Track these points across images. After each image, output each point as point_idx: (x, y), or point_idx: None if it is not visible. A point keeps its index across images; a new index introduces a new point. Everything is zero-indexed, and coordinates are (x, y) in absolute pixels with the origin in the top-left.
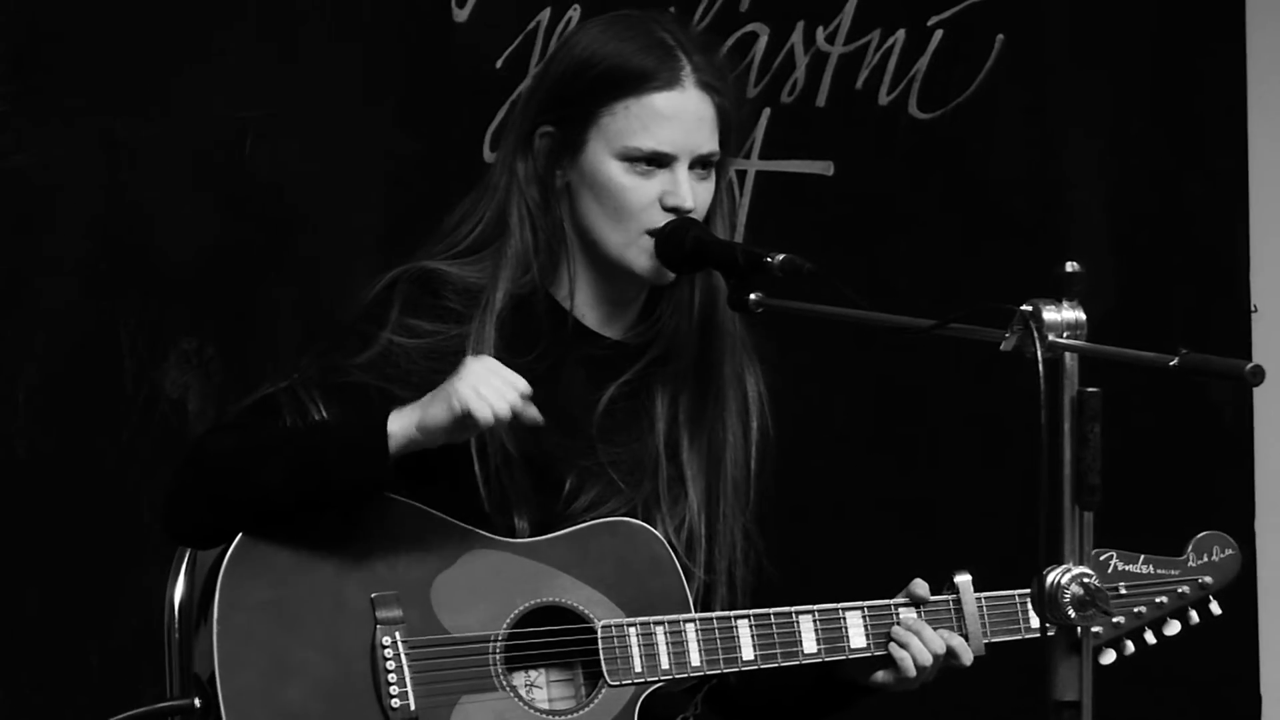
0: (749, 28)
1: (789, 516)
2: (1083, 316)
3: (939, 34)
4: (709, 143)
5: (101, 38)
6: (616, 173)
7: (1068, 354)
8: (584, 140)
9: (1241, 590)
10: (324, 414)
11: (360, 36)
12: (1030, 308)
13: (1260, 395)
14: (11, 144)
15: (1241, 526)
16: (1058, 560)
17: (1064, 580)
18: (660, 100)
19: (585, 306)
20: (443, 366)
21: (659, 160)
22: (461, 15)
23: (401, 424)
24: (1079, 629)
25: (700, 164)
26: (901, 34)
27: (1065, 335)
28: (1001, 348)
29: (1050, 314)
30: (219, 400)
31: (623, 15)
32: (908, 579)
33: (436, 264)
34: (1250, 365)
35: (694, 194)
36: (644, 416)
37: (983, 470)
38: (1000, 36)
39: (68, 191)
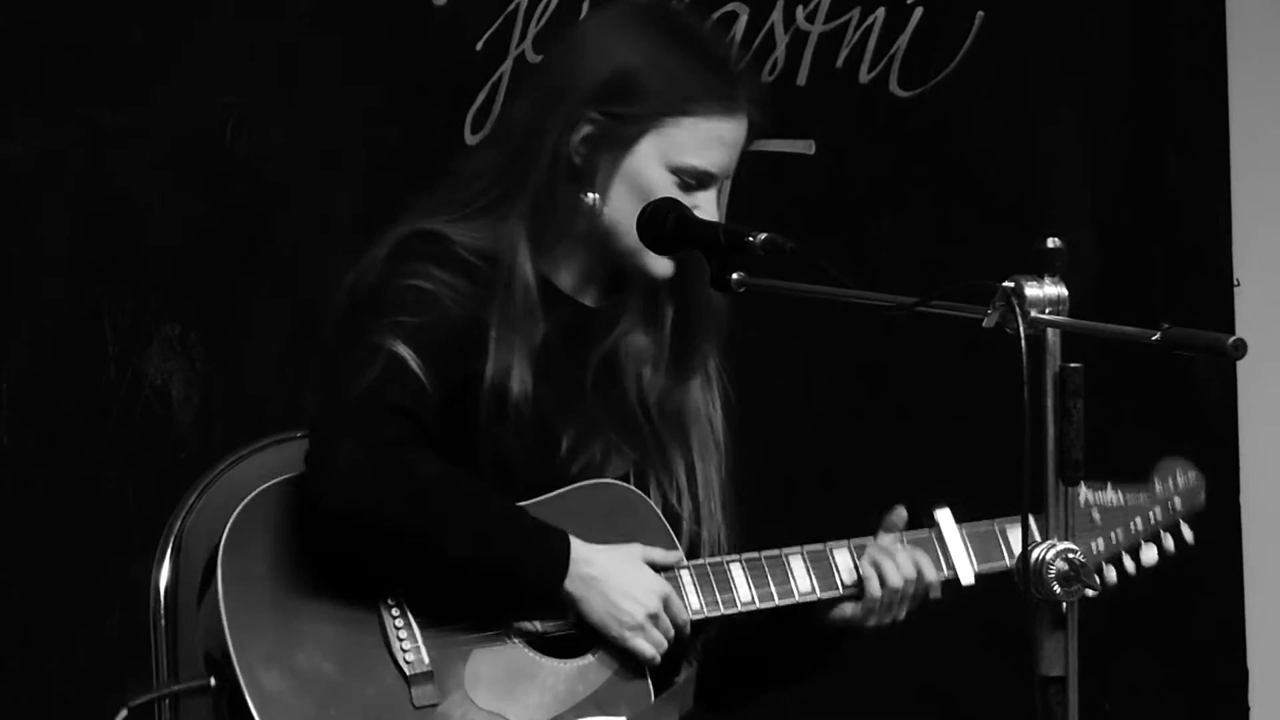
0: (729, 7)
1: (774, 492)
2: (1064, 292)
3: (919, 11)
4: (737, 159)
5: (82, 25)
6: (663, 182)
7: (1050, 330)
8: (636, 139)
9: (1227, 563)
10: (425, 379)
11: (340, 20)
12: (1012, 284)
13: (1244, 371)
14: None
15: (1226, 501)
16: (1042, 535)
17: (1049, 556)
18: (723, 126)
19: (564, 273)
20: (488, 314)
21: (704, 180)
22: None
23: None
24: (1064, 604)
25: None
26: (881, 12)
27: (1047, 311)
28: (984, 324)
29: (1032, 290)
30: (202, 386)
31: (681, 12)
32: None
33: (436, 226)
34: (1233, 339)
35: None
36: (625, 380)
37: (966, 446)
38: (980, 14)
39: (49, 179)
